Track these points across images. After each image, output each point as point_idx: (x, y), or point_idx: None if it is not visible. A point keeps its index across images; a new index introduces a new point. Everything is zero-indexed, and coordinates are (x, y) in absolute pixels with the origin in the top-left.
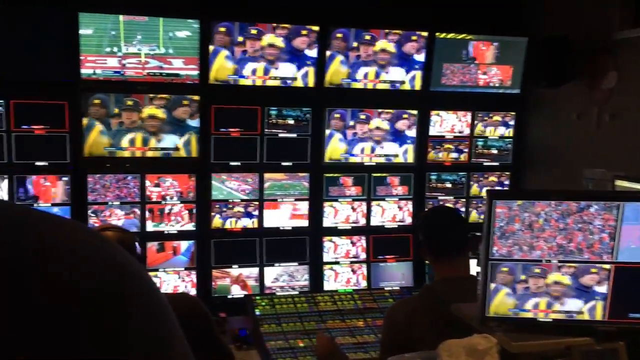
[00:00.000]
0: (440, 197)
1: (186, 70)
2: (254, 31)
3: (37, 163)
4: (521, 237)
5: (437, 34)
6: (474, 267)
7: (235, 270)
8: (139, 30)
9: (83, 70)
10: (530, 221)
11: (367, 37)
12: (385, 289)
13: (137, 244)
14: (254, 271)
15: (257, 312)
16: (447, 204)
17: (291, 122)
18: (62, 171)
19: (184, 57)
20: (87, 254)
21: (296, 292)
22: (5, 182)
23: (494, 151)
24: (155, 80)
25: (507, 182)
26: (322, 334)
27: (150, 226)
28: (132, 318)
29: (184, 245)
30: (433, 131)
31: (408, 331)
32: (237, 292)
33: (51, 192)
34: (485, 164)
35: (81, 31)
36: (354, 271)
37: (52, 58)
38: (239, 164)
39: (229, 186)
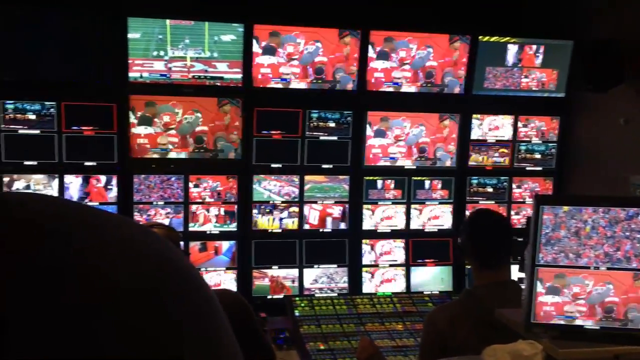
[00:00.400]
0: (481, 202)
1: (230, 73)
2: (290, 34)
3: (86, 163)
4: (567, 244)
5: (480, 37)
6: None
7: (274, 271)
8: (185, 34)
9: (131, 74)
10: (576, 228)
11: (408, 42)
12: (425, 293)
13: (181, 242)
14: (291, 272)
15: (297, 313)
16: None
17: (332, 124)
18: (109, 171)
19: (228, 61)
20: (134, 250)
21: (335, 294)
22: (56, 181)
23: (537, 156)
24: (200, 83)
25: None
26: (365, 337)
27: (192, 226)
28: (180, 317)
29: (225, 245)
30: (475, 135)
31: (449, 336)
32: (277, 292)
33: (104, 192)
34: (527, 168)
35: (129, 35)
36: (393, 274)
37: (101, 61)
38: (280, 166)
39: (267, 187)
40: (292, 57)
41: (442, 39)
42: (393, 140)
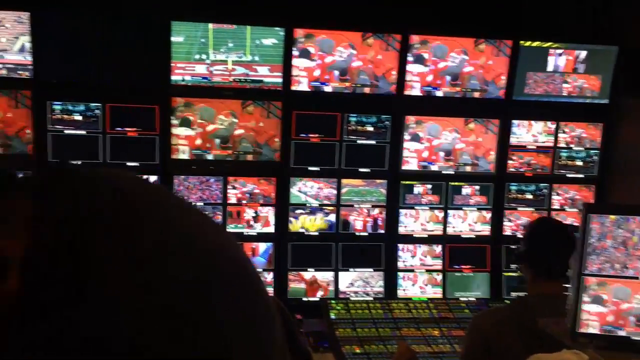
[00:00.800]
0: (519, 208)
1: (271, 77)
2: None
3: (129, 164)
4: (613, 254)
5: (521, 42)
6: None
7: (310, 274)
8: (228, 38)
9: (173, 77)
10: (624, 238)
11: (448, 48)
12: (461, 299)
13: None
14: (327, 275)
15: (332, 315)
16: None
17: (370, 128)
18: (151, 172)
19: (269, 65)
20: (199, 242)
21: (370, 298)
22: None
23: (579, 162)
24: (241, 87)
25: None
26: (402, 342)
27: (230, 228)
28: (234, 318)
29: (262, 247)
30: (515, 141)
31: (494, 340)
32: (313, 295)
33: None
34: (568, 175)
35: (173, 39)
36: (429, 280)
37: (146, 65)
38: (317, 169)
39: (303, 190)
40: (322, 60)
41: (467, 42)
42: (422, 143)
